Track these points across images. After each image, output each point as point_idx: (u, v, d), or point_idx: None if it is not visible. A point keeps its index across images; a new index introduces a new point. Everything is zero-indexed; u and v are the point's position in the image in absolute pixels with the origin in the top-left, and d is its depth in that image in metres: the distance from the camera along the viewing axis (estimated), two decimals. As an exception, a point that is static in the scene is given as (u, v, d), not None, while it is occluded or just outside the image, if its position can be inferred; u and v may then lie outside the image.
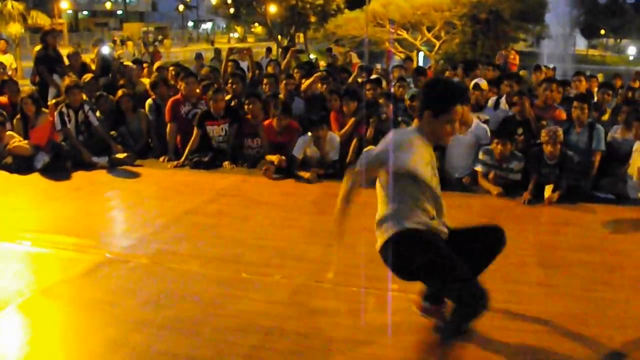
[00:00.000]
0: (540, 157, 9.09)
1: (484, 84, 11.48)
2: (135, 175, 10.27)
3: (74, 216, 8.20)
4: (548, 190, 8.83)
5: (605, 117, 11.09)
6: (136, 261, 6.66)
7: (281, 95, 11.64)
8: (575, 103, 9.74)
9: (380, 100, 10.96)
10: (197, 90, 11.59)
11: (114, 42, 43.62)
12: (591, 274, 6.42)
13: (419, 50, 32.17)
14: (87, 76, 12.34)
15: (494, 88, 12.11)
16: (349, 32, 33.10)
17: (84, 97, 11.47)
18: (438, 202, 4.85)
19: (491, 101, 11.52)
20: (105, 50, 15.49)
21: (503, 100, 11.44)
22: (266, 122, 10.52)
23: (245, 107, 10.87)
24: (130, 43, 47.05)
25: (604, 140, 9.59)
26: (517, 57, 24.46)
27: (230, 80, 12.21)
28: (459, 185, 9.61)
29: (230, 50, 13.90)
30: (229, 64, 13.97)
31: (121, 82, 13.04)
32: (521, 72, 20.90)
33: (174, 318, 5.40)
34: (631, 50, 68.19)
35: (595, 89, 12.92)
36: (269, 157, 10.19)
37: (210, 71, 14.21)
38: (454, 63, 20.63)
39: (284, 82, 12.09)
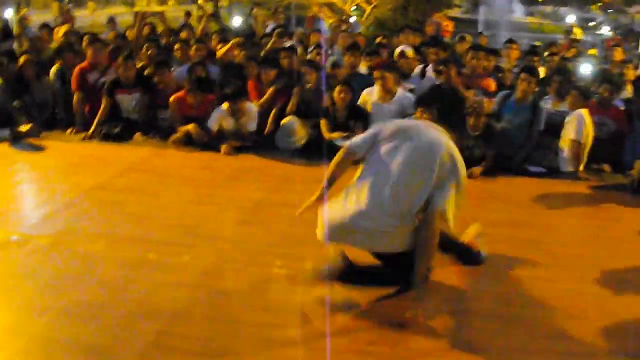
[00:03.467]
0: (462, 128, 9.14)
1: (409, 51, 11.52)
2: (39, 148, 10.06)
3: (-30, 193, 8.03)
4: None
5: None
6: (36, 242, 6.52)
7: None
8: (522, 75, 9.70)
9: (303, 69, 10.91)
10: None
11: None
12: (516, 251, 6.50)
13: (349, 16, 32.10)
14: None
15: (419, 56, 12.19)
16: (274, -5, 32.86)
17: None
18: None
19: (417, 69, 11.59)
20: (9, 13, 15.16)
21: (430, 68, 11.50)
22: (177, 95, 10.30)
23: (156, 77, 10.78)
24: (55, 5, 45.96)
25: (543, 118, 9.68)
26: (451, 24, 24.56)
27: (146, 46, 12.06)
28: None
29: (143, 15, 13.69)
30: (145, 27, 13.77)
31: (24, 46, 12.79)
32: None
33: (75, 303, 5.33)
34: (570, 19, 69.03)
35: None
36: (183, 128, 10.10)
37: (118, 37, 14.03)
38: (384, 29, 20.59)
39: (194, 47, 11.96)
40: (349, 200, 5.11)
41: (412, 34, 14.41)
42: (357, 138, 5.40)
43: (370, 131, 5.39)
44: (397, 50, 11.94)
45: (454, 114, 9.65)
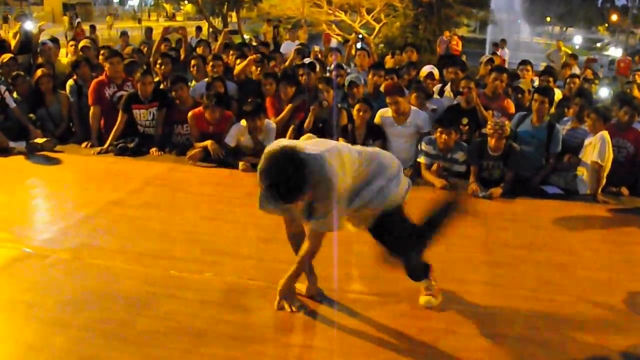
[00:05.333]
0: (483, 148, 9.11)
1: (436, 72, 11.49)
2: (55, 161, 10.00)
3: (-13, 206, 7.97)
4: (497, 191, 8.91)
5: (552, 109, 11.09)
6: (56, 256, 6.46)
7: (209, 79, 11.45)
8: (535, 96, 9.71)
9: (320, 86, 10.85)
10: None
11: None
12: (540, 274, 6.47)
13: (357, 33, 32.09)
14: (5, 56, 12.03)
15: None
16: (284, 12, 32.85)
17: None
18: None
19: (436, 89, 11.54)
20: (29, 25, 15.14)
21: (448, 88, 11.47)
22: (195, 111, 10.26)
23: (173, 92, 10.73)
24: (65, 18, 46.11)
25: (561, 140, 9.64)
26: (460, 43, 24.63)
27: (159, 61, 12.06)
28: (401, 177, 9.58)
29: (166, 30, 13.69)
30: (163, 43, 13.75)
31: (40, 60, 12.77)
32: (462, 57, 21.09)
33: (97, 319, 5.26)
34: (577, 40, 69.18)
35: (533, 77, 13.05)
36: (201, 144, 10.07)
37: (134, 51, 14.03)
38: (394, 47, 20.61)
39: (211, 64, 11.87)
40: None
41: (414, 52, 14.47)
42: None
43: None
44: (424, 71, 11.89)
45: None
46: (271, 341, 5.04)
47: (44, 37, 14.82)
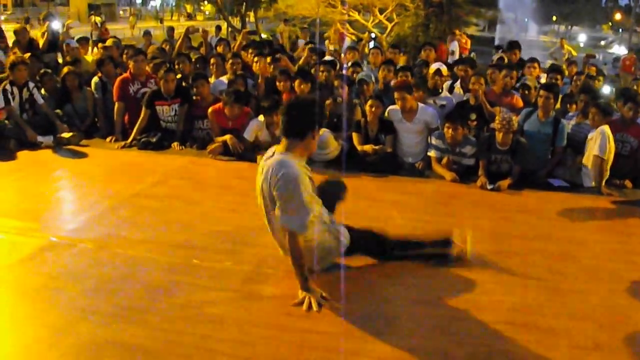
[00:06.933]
0: (491, 142, 9.09)
1: (444, 69, 11.47)
2: (81, 155, 10.05)
3: (16, 198, 7.99)
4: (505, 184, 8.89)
5: (557, 104, 11.01)
6: (82, 245, 6.48)
7: (228, 75, 11.46)
8: (541, 92, 9.69)
9: (335, 83, 10.85)
10: (147, 69, 11.44)
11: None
12: (547, 264, 6.45)
13: (370, 32, 31.99)
14: (26, 55, 12.05)
15: (449, 72, 12.12)
16: (300, 12, 32.75)
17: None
18: None
19: (446, 85, 11.50)
20: (56, 25, 15.20)
21: (457, 84, 11.43)
22: (215, 107, 10.27)
23: (194, 89, 10.75)
24: (92, 18, 46.24)
25: (566, 134, 9.61)
26: (469, 42, 24.55)
27: (176, 61, 12.13)
28: (412, 170, 9.59)
29: (188, 30, 13.80)
30: (184, 42, 13.84)
31: (67, 58, 12.81)
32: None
33: (121, 306, 5.28)
34: (581, 38, 68.85)
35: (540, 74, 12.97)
36: (220, 138, 10.07)
37: (157, 50, 14.08)
38: (406, 46, 20.57)
39: (230, 61, 11.86)
40: None
41: (432, 50, 14.38)
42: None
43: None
44: (432, 68, 11.86)
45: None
46: (287, 327, 5.03)
47: (73, 36, 14.90)
